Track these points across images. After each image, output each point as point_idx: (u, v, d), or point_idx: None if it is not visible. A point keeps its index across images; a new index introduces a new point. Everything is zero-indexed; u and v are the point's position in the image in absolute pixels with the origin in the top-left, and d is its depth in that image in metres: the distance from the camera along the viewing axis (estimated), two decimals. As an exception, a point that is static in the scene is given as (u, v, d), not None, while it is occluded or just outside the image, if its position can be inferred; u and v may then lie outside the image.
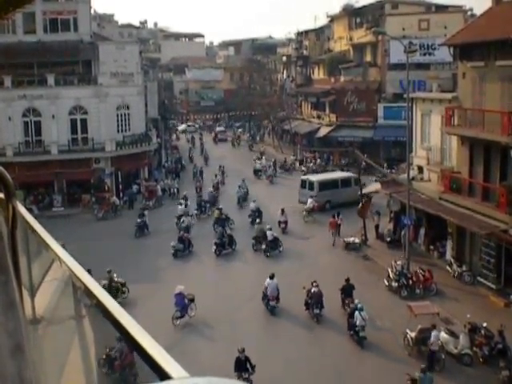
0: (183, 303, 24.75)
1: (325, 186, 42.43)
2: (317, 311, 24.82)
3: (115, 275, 26.86)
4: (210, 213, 40.60)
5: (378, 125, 55.11)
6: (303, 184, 43.37)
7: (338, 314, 25.13)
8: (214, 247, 33.25)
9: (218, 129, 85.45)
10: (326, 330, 24.29)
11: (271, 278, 26.25)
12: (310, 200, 40.42)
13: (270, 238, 33.33)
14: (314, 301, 24.85)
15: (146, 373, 1.34)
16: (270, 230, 33.78)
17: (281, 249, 33.35)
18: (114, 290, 25.54)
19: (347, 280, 25.88)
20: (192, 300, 24.98)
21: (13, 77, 46.05)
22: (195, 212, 40.90)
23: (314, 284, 25.24)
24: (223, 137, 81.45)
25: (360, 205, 36.07)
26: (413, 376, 18.87)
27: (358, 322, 22.59)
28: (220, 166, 55.29)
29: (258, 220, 37.15)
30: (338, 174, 46.99)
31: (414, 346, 21.53)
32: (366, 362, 21.45)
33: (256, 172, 55.78)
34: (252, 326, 24.73)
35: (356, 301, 24.09)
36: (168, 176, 54.88)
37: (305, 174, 49.22)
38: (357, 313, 22.82)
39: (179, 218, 37.62)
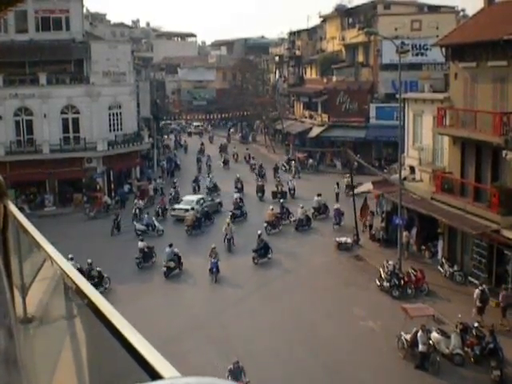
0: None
1: None
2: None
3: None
4: None
5: (370, 125, 55.20)
6: None
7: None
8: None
9: (195, 123, 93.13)
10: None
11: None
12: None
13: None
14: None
15: (137, 372, 1.33)
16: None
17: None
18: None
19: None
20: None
21: (4, 76, 45.82)
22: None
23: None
24: (197, 130, 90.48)
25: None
26: None
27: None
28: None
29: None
30: None
31: (408, 348, 21.35)
32: (360, 360, 21.45)
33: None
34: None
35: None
36: (162, 175, 54.74)
37: None
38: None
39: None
